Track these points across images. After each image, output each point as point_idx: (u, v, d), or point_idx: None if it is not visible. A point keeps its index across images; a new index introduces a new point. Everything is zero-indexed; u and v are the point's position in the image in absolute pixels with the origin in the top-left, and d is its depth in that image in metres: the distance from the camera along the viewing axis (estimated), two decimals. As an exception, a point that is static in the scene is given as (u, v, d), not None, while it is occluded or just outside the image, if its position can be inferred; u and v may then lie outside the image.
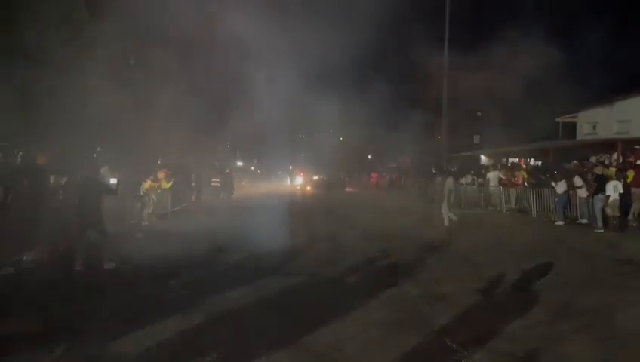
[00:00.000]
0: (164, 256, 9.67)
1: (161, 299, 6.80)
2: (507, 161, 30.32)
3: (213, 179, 22.04)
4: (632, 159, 17.80)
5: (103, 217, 8.95)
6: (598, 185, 13.98)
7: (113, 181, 9.56)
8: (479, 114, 45.07)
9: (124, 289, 7.28)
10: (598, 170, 14.74)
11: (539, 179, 18.80)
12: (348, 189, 41.04)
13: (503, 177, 20.58)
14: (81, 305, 6.47)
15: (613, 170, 14.67)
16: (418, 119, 38.08)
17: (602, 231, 13.48)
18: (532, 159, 30.91)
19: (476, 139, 45.83)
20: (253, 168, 50.81)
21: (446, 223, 14.40)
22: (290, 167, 46.13)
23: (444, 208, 14.64)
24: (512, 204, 19.12)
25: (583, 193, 14.71)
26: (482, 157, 32.87)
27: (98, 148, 16.30)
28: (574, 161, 18.39)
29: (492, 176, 21.17)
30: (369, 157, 52.41)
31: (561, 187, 15.60)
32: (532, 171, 21.23)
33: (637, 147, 19.25)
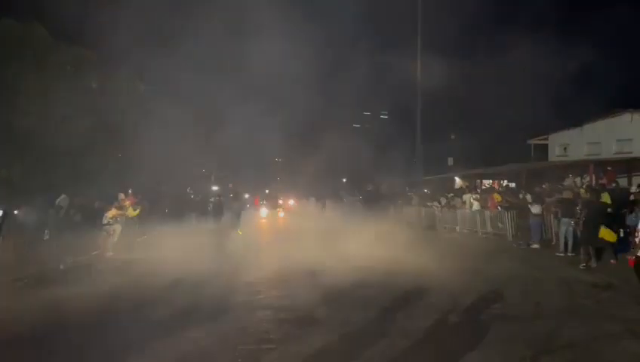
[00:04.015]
0: (123, 291, 9.08)
1: (114, 342, 6.21)
2: (481, 183, 30.38)
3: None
4: (604, 181, 17.84)
5: None
6: (566, 208, 13.82)
7: None
8: (453, 136, 45.50)
9: (74, 330, 6.64)
10: (568, 194, 14.64)
11: (512, 200, 18.70)
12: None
13: (476, 200, 20.49)
14: (27, 350, 5.87)
15: (584, 191, 14.58)
16: (393, 141, 38.17)
17: (563, 254, 13.26)
18: (505, 181, 31.07)
19: (450, 161, 46.13)
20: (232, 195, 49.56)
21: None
22: (267, 191, 45.47)
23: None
24: (488, 227, 18.96)
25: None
26: (457, 179, 32.90)
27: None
28: (546, 184, 18.41)
29: (467, 198, 21.05)
30: (344, 180, 52.17)
31: (535, 209, 15.49)
32: (504, 193, 21.14)
33: (609, 168, 19.37)
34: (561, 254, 13.30)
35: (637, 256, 7.78)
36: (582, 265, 11.31)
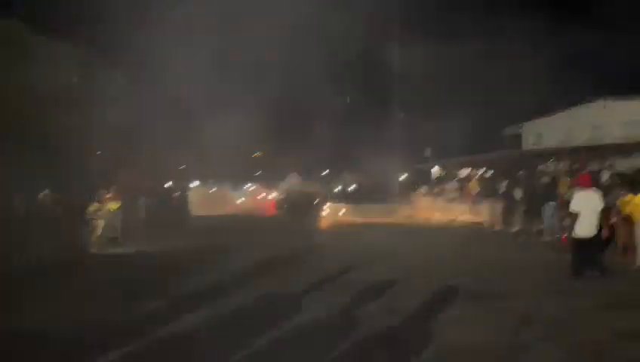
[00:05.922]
0: (112, 284, 9.09)
1: (110, 332, 6.25)
2: (459, 172, 30.84)
3: None
4: (577, 167, 18.36)
5: None
6: (546, 193, 14.23)
7: None
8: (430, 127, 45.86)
9: (63, 328, 6.61)
10: (546, 180, 15.10)
11: (489, 188, 19.11)
12: None
13: (455, 189, 20.95)
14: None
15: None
16: (372, 135, 38.46)
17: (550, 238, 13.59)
18: (484, 168, 31.61)
19: (427, 152, 46.52)
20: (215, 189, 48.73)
21: None
22: (249, 184, 45.10)
23: None
24: (467, 214, 19.37)
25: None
26: (434, 168, 33.33)
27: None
28: (522, 170, 18.81)
29: (448, 187, 21.50)
30: (327, 171, 52.31)
31: (517, 194, 15.86)
32: (482, 181, 21.59)
33: (582, 155, 19.91)
34: (549, 238, 13.57)
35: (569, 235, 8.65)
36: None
